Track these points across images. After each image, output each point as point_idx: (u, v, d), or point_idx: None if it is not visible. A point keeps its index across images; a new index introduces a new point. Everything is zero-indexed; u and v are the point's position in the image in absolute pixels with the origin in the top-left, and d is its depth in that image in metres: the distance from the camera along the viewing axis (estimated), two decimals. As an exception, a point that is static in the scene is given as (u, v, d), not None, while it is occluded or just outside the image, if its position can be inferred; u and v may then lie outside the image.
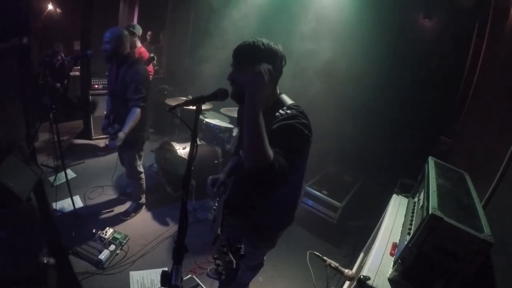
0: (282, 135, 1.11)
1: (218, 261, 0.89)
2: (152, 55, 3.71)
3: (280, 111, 1.19)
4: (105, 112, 2.65)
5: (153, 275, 2.19)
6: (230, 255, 0.83)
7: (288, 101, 1.27)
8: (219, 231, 1.18)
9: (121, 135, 2.23)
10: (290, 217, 1.46)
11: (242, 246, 0.91)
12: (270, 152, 1.03)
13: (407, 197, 1.82)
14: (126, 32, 2.32)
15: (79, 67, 4.27)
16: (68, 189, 2.51)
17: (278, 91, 1.31)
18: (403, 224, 1.49)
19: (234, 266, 0.81)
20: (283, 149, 1.07)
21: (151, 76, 3.88)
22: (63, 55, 4.67)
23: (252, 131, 1.05)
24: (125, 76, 2.29)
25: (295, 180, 1.35)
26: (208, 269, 2.30)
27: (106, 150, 3.94)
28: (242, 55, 1.20)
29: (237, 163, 1.52)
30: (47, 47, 4.70)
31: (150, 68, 3.88)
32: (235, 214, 1.39)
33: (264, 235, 1.46)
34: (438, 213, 1.03)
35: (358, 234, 2.77)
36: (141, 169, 2.70)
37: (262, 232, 1.42)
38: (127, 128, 2.26)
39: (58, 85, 4.50)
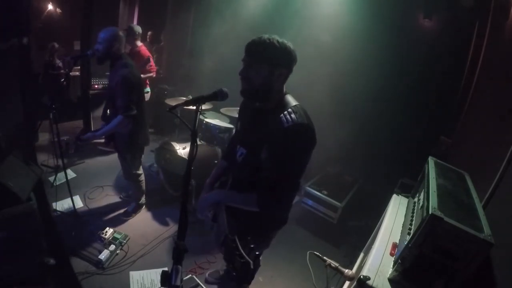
0: (288, 163, 1.19)
1: (231, 265, 0.86)
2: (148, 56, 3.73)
3: (285, 113, 1.19)
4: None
5: (153, 275, 2.19)
6: (246, 256, 0.81)
7: (292, 102, 1.26)
8: (227, 231, 1.17)
9: (90, 135, 2.22)
10: (284, 218, 1.46)
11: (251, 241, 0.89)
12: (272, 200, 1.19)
13: (407, 197, 1.82)
14: (120, 33, 2.21)
15: (79, 67, 4.27)
16: (68, 189, 2.51)
17: (285, 91, 1.30)
18: (403, 224, 1.49)
19: (252, 267, 0.79)
20: (289, 179, 1.20)
21: (152, 75, 3.90)
22: (51, 58, 4.63)
23: (245, 206, 1.28)
24: (112, 79, 2.26)
25: None
26: (207, 274, 2.27)
27: (108, 145, 3.91)
28: (255, 52, 1.18)
29: (226, 168, 1.55)
30: (47, 47, 4.68)
31: (153, 67, 3.89)
32: (234, 213, 1.39)
33: (261, 234, 1.45)
34: (438, 213, 1.03)
35: (358, 234, 2.77)
36: (139, 171, 2.69)
37: (257, 231, 1.42)
38: (101, 132, 2.26)
39: (62, 80, 4.46)
